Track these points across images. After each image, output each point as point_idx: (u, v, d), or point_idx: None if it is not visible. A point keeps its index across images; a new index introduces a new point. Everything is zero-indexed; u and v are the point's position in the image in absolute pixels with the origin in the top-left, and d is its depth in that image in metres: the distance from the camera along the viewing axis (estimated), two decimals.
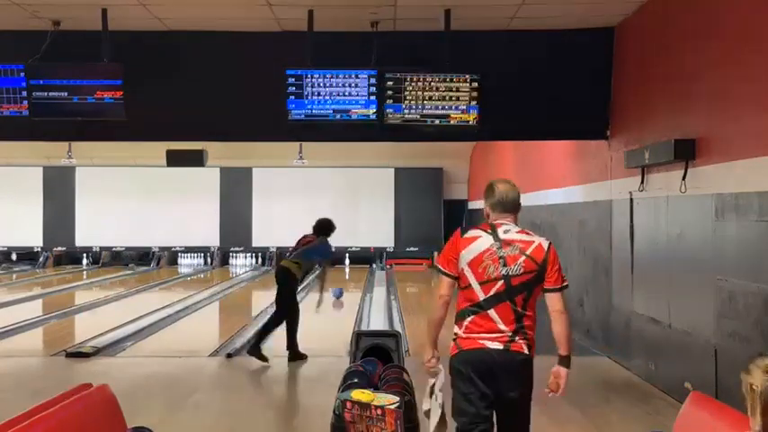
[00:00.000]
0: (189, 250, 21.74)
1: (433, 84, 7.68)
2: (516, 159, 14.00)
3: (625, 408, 6.49)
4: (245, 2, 7.44)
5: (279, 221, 19.64)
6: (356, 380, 4.96)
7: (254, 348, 8.18)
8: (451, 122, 7.74)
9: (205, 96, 8.44)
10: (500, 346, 3.61)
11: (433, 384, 3.89)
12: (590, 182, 9.17)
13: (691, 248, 6.37)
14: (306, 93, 7.75)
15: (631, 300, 7.74)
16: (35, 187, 21.14)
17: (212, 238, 21.30)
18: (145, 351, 9.20)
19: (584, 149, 9.34)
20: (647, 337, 7.31)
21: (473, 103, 7.69)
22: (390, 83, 7.70)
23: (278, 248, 19.76)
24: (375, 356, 5.73)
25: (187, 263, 21.76)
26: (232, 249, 21.59)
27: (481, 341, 3.63)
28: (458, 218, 20.27)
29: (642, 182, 7.29)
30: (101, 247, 21.54)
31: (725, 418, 3.17)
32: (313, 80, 7.74)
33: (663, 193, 6.90)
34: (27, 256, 21.61)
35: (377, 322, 11.27)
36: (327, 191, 20.07)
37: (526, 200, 11.88)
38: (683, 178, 6.32)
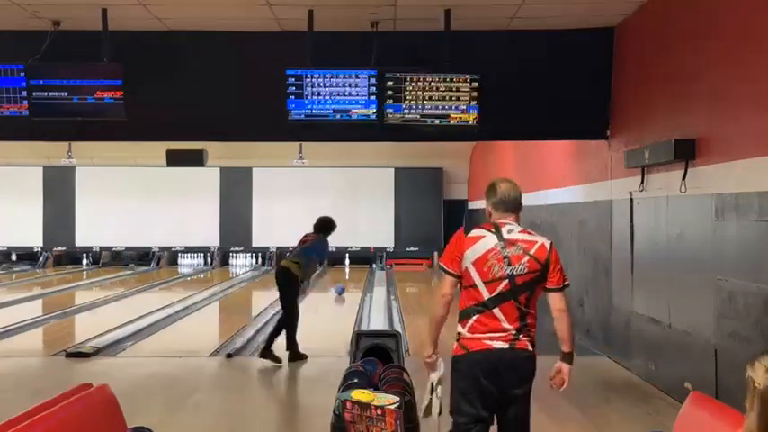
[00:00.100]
0: (189, 250, 21.74)
1: (433, 84, 7.68)
2: (516, 159, 14.00)
3: (625, 408, 6.49)
4: (245, 2, 7.44)
5: (279, 221, 19.65)
6: (356, 380, 4.96)
7: (266, 350, 8.17)
8: (451, 122, 7.74)
9: (205, 96, 8.44)
10: (505, 345, 3.66)
11: (436, 380, 3.90)
12: (590, 182, 9.17)
13: (691, 248, 6.37)
14: (306, 93, 7.75)
15: (631, 300, 7.74)
16: (35, 187, 21.15)
17: (212, 238, 21.30)
18: (145, 351, 9.20)
19: (584, 149, 9.34)
20: (647, 337, 7.31)
21: (473, 103, 7.69)
22: (390, 83, 7.70)
23: (278, 248, 19.78)
24: (375, 356, 5.74)
25: (187, 263, 21.77)
26: (232, 249, 21.60)
27: (487, 341, 3.66)
28: (458, 218, 20.25)
29: (642, 182, 7.29)
30: (101, 247, 21.55)
31: (725, 418, 3.16)
32: (313, 80, 7.74)
33: (663, 193, 6.90)
34: (27, 256, 21.61)
35: (377, 322, 11.26)
36: (327, 191, 20.08)
37: (526, 200, 11.87)
38: (683, 178, 6.32)
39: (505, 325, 3.66)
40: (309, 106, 7.76)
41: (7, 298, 14.42)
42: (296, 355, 8.25)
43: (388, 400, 4.16)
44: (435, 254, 20.50)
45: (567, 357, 3.80)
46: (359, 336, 6.18)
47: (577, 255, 9.54)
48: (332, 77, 7.74)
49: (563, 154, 10.42)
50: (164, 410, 6.34)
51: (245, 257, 21.65)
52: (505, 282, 3.65)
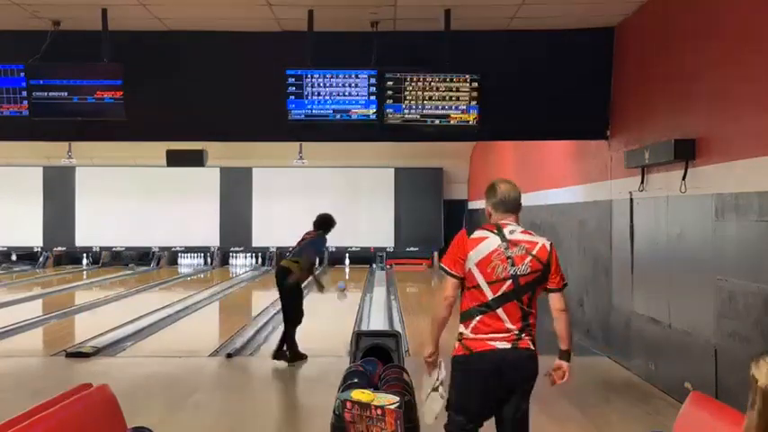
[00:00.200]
0: (189, 250, 21.74)
1: (433, 84, 7.68)
2: (516, 159, 14.00)
3: (625, 408, 6.49)
4: (245, 2, 7.44)
5: (279, 221, 19.65)
6: (356, 380, 4.96)
7: (278, 352, 8.15)
8: (451, 122, 7.74)
9: (205, 96, 8.44)
10: (508, 345, 3.69)
11: (437, 379, 3.90)
12: (590, 182, 9.17)
13: (691, 248, 6.37)
14: (306, 93, 7.74)
15: (631, 300, 7.74)
16: (35, 187, 21.15)
17: (212, 238, 21.30)
18: (145, 351, 9.20)
19: (584, 149, 9.34)
20: (647, 337, 7.31)
21: (473, 103, 7.68)
22: (390, 83, 7.69)
23: (278, 248, 19.78)
24: (375, 356, 5.74)
25: (187, 263, 21.77)
26: (232, 249, 21.60)
27: (490, 342, 3.69)
28: (458, 218, 20.28)
29: (642, 182, 7.30)
30: (101, 247, 21.55)
31: (725, 418, 3.17)
32: (313, 80, 7.73)
33: (663, 193, 6.90)
34: (27, 256, 21.61)
35: (377, 322, 11.27)
36: (327, 191, 20.07)
37: (526, 200, 11.88)
38: (683, 178, 6.32)
39: (508, 325, 3.68)
40: (309, 106, 7.76)
41: (7, 298, 14.42)
42: (296, 356, 8.24)
43: (388, 400, 4.16)
44: (435, 254, 20.51)
45: (566, 355, 3.86)
46: (359, 336, 6.18)
47: (577, 255, 9.54)
48: (332, 77, 7.74)
49: (563, 154, 10.42)
50: (164, 410, 6.34)
51: (245, 257, 21.66)
52: (509, 282, 3.68)
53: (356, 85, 7.75)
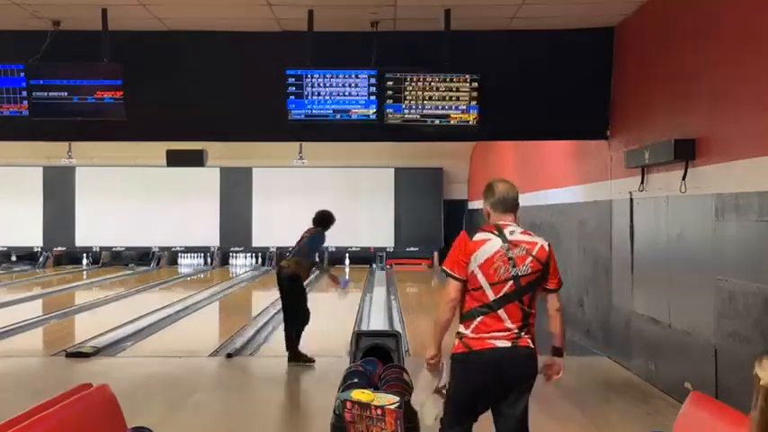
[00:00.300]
0: (189, 250, 21.74)
1: (433, 84, 7.68)
2: (516, 159, 14.00)
3: (625, 408, 6.49)
4: (245, 2, 7.44)
5: (279, 221, 19.64)
6: (356, 380, 4.97)
7: (293, 355, 8.15)
8: (451, 122, 7.74)
9: (205, 96, 8.44)
10: (508, 344, 3.70)
11: (440, 382, 3.90)
12: (590, 182, 9.17)
13: (691, 248, 6.37)
14: (306, 93, 7.75)
15: (631, 300, 7.74)
16: (35, 187, 21.15)
17: (212, 238, 21.30)
18: (145, 351, 9.20)
19: (584, 149, 9.34)
20: (647, 337, 7.31)
21: (473, 103, 7.68)
22: (390, 83, 7.69)
23: (278, 248, 19.79)
24: (375, 356, 5.74)
25: (187, 263, 21.77)
26: (232, 249, 21.60)
27: (490, 341, 3.70)
28: (458, 218, 20.29)
29: (642, 182, 7.30)
30: (101, 247, 21.55)
31: (725, 418, 3.17)
32: (313, 80, 7.74)
33: (663, 193, 6.90)
34: (27, 256, 21.61)
35: (377, 322, 11.27)
36: (327, 191, 20.06)
37: (526, 200, 11.90)
38: (683, 178, 6.32)
39: (508, 324, 3.70)
40: (309, 106, 7.76)
41: (7, 298, 14.42)
42: (296, 356, 8.24)
43: (388, 400, 4.16)
44: (435, 254, 20.52)
45: (560, 352, 3.94)
46: (359, 336, 6.18)
47: (577, 255, 9.54)
48: (332, 77, 7.74)
49: (563, 154, 10.42)
50: (164, 410, 6.33)
51: (245, 257, 21.66)
52: (510, 283, 3.69)
53: (356, 85, 7.75)
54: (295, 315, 8.27)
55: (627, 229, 7.78)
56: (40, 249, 21.49)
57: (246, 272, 20.22)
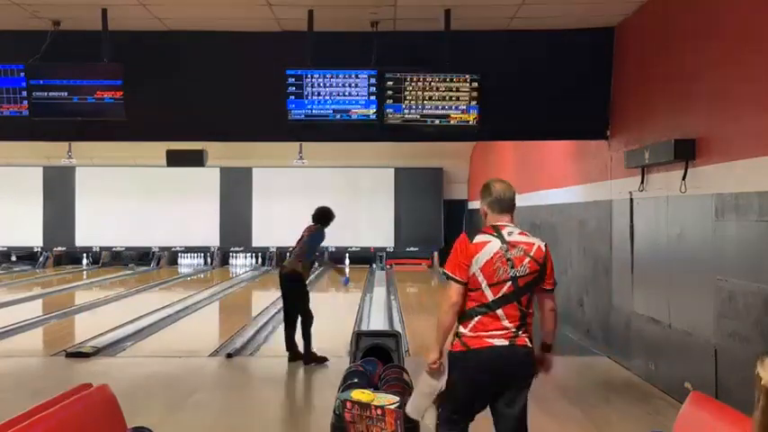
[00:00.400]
0: (189, 250, 21.74)
1: (433, 84, 7.68)
2: (516, 159, 14.00)
3: (625, 408, 6.49)
4: (245, 2, 7.44)
5: (279, 221, 19.64)
6: (356, 380, 4.97)
7: (308, 357, 8.15)
8: (451, 122, 7.74)
9: (205, 96, 8.44)
10: (506, 343, 3.74)
11: (442, 386, 3.90)
12: (590, 182, 9.17)
13: (691, 248, 6.37)
14: (306, 93, 7.75)
15: (631, 300, 7.74)
16: (35, 187, 21.15)
17: (212, 238, 21.30)
18: (145, 351, 9.20)
19: (584, 149, 9.34)
20: (647, 337, 7.31)
21: (473, 103, 7.68)
22: (390, 83, 7.69)
23: (278, 248, 19.78)
24: (375, 356, 5.75)
25: (187, 263, 21.77)
26: (232, 249, 21.60)
27: (488, 339, 3.74)
28: (458, 218, 20.29)
29: (642, 182, 7.30)
30: (101, 247, 21.55)
31: (725, 418, 3.17)
32: (313, 80, 7.73)
33: (663, 193, 6.90)
34: (27, 256, 21.61)
35: (377, 322, 11.27)
36: (327, 191, 20.01)
37: (526, 200, 11.91)
38: (683, 178, 6.32)
39: (506, 324, 3.74)
40: (309, 106, 7.76)
41: (7, 298, 14.42)
42: (295, 356, 8.24)
43: (388, 400, 4.17)
44: (435, 254, 20.52)
45: (549, 348, 4.01)
46: (359, 336, 6.19)
47: (577, 255, 9.54)
48: (332, 77, 7.74)
49: (563, 154, 10.42)
50: (164, 410, 6.34)
51: (245, 257, 21.66)
52: (509, 284, 3.74)
53: (356, 85, 7.75)
54: (295, 317, 8.24)
55: (627, 229, 7.78)
56: (40, 249, 21.49)
57: (246, 272, 20.22)
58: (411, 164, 20.66)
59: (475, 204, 18.82)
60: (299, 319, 8.23)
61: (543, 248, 3.83)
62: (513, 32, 8.26)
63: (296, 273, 8.23)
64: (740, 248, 5.53)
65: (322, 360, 8.12)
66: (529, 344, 3.79)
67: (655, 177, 7.12)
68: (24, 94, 7.76)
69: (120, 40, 7.80)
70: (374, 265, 20.78)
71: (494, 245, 3.76)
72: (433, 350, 3.86)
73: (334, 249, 19.66)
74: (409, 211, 21.03)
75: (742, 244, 5.49)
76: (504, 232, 3.81)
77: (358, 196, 20.70)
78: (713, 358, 5.82)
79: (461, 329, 3.79)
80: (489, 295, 3.72)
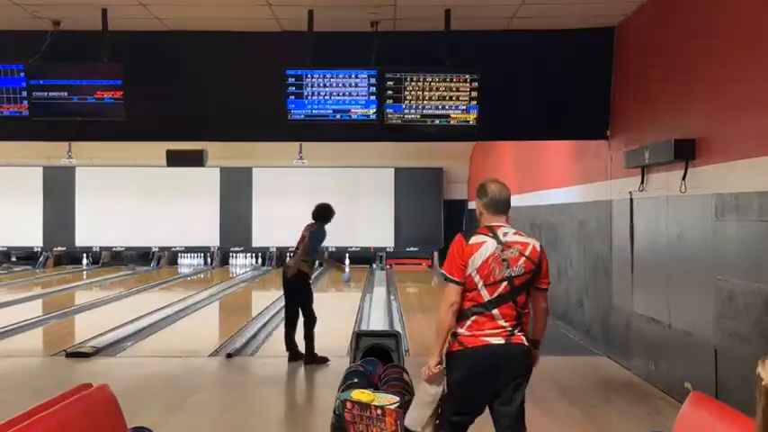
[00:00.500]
0: (189, 250, 21.74)
1: (432, 84, 7.68)
2: (516, 159, 14.00)
3: (625, 408, 6.49)
4: (245, 2, 7.44)
5: (279, 221, 19.64)
6: (356, 380, 4.97)
7: (310, 357, 8.15)
8: (451, 122, 7.74)
9: (205, 96, 8.44)
10: (502, 341, 3.77)
11: (439, 393, 3.89)
12: (590, 182, 9.17)
13: (691, 248, 6.37)
14: (306, 93, 7.75)
15: (631, 300, 7.74)
16: (35, 187, 21.14)
17: (212, 238, 21.30)
18: (145, 351, 9.20)
19: (584, 149, 9.34)
20: (647, 337, 7.31)
21: (473, 103, 7.69)
22: (390, 83, 7.69)
23: (278, 248, 19.76)
24: (375, 356, 5.74)
25: (187, 263, 21.77)
26: (232, 249, 21.60)
27: (484, 338, 3.77)
28: (458, 218, 20.29)
29: (642, 182, 7.30)
30: (101, 247, 21.55)
31: (725, 418, 3.17)
32: (313, 80, 7.74)
33: (663, 193, 6.90)
34: (27, 256, 21.61)
35: (377, 322, 11.27)
36: (327, 191, 19.89)
37: (526, 200, 11.91)
38: (683, 178, 6.32)
39: (502, 323, 3.78)
40: (309, 106, 7.76)
41: (7, 298, 14.41)
42: (295, 356, 8.24)
43: (388, 400, 4.17)
44: (435, 254, 20.52)
45: (538, 344, 4.02)
46: (359, 336, 6.18)
47: (577, 255, 9.54)
48: (332, 77, 7.74)
49: (563, 154, 10.42)
50: (164, 410, 6.34)
51: (245, 257, 21.65)
52: (504, 284, 3.77)
53: (356, 85, 7.75)
54: (296, 317, 8.24)
55: (627, 229, 7.78)
56: (40, 249, 21.49)
57: (246, 272, 20.22)
58: (411, 164, 20.65)
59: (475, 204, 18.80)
60: (302, 319, 8.23)
61: (538, 248, 3.86)
62: (513, 32, 8.26)
63: (301, 272, 8.23)
64: (740, 248, 5.53)
65: (323, 361, 8.12)
66: (525, 342, 3.81)
67: (655, 177, 7.12)
68: (24, 94, 7.76)
69: (119, 40, 7.80)
70: (374, 265, 20.78)
71: (489, 245, 3.78)
72: (435, 354, 3.86)
73: (334, 249, 19.66)
74: (409, 211, 21.03)
75: (742, 244, 5.49)
76: (500, 233, 3.84)
77: (358, 196, 20.69)
78: (713, 358, 5.82)
79: (458, 329, 3.80)
80: (485, 295, 3.75)
